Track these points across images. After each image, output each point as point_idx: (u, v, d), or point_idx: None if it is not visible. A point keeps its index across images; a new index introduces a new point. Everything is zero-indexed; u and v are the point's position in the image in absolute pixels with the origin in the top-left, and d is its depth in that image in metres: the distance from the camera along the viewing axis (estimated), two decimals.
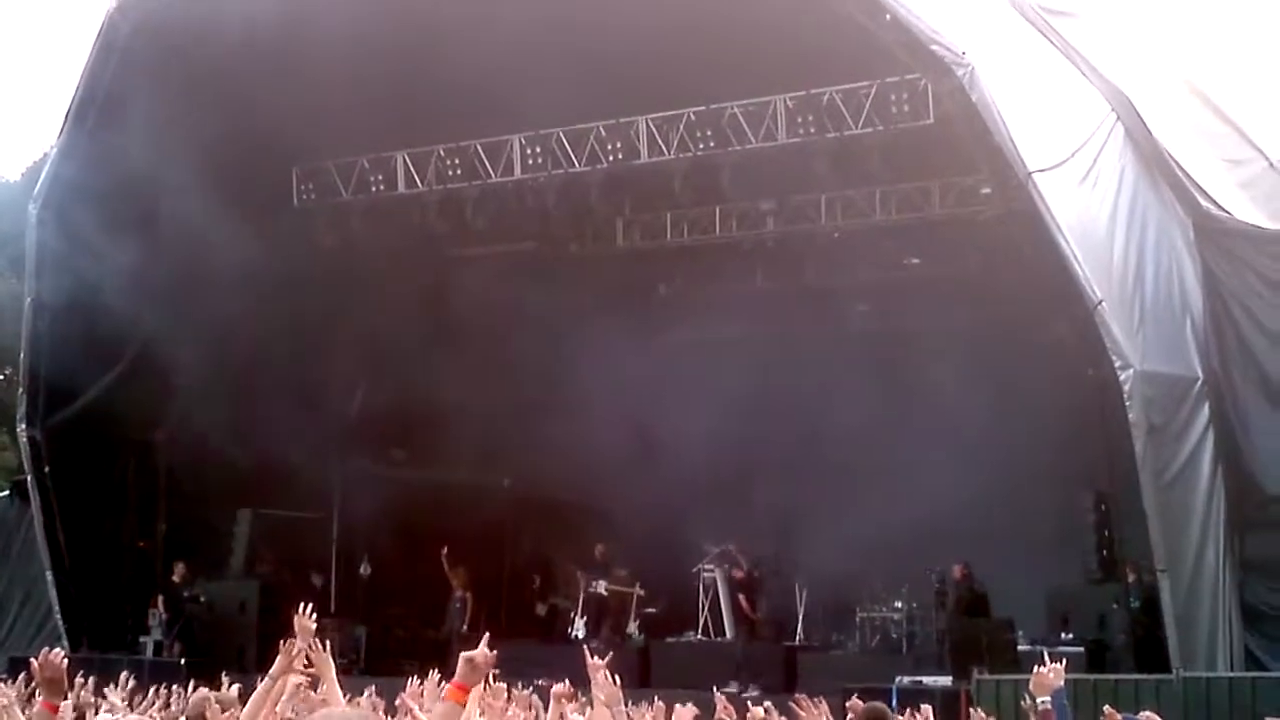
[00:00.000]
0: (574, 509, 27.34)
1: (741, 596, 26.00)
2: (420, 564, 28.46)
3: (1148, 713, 11.85)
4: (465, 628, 26.22)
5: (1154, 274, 21.42)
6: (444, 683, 11.06)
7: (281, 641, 8.58)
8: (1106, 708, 10.14)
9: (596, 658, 9.64)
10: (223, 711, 8.01)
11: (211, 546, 27.75)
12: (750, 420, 26.83)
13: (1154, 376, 20.38)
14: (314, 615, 8.22)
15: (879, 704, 11.39)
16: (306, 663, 8.33)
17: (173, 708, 10.51)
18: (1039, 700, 10.05)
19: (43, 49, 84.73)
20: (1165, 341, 21.14)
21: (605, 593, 26.86)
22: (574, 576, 27.75)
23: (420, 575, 28.61)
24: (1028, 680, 10.40)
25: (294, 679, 7.26)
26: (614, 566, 27.24)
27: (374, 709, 9.49)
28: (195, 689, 15.42)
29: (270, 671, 8.45)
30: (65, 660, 6.44)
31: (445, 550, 27.55)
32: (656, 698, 13.90)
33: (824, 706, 11.27)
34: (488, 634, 6.69)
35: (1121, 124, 22.02)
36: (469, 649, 5.96)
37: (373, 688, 10.22)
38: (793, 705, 10.91)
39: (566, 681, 10.77)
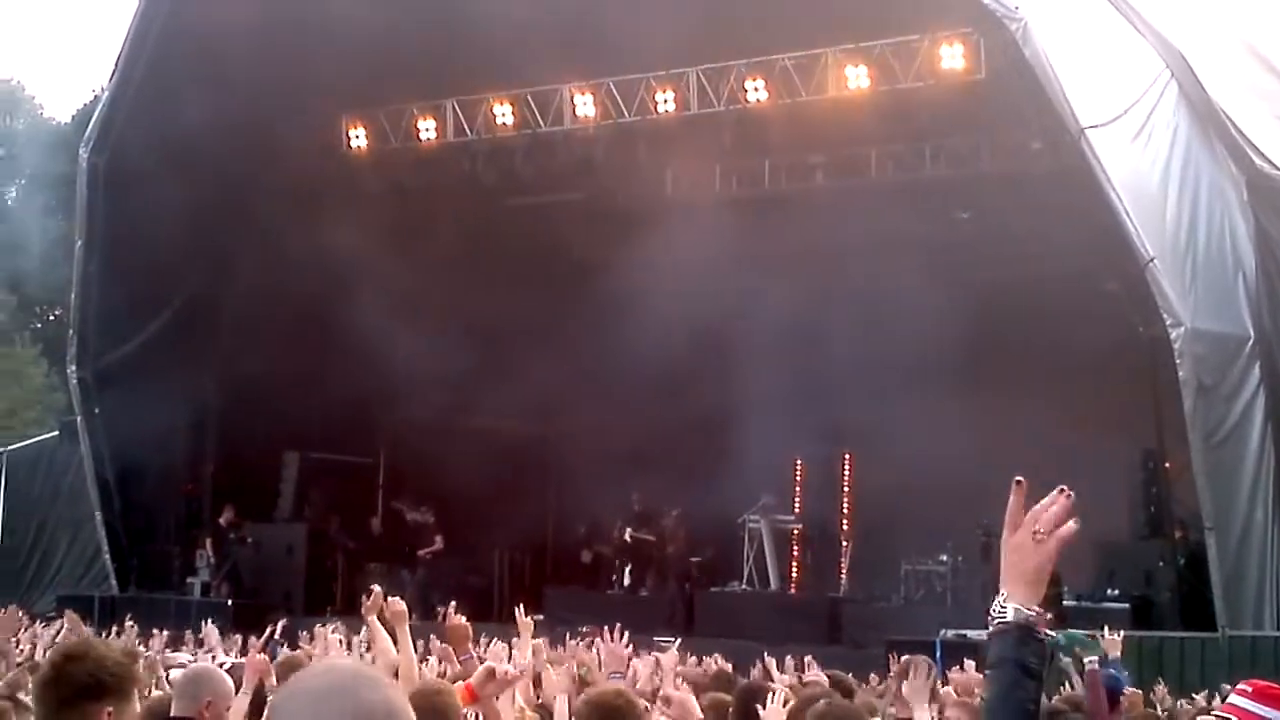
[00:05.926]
0: (619, 457, 27.32)
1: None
2: (466, 511, 28.56)
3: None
4: None
5: (1206, 232, 21.32)
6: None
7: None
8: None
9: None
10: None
11: (259, 489, 27.96)
12: (799, 373, 26.75)
13: (1205, 335, 20.31)
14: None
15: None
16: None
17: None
18: (1086, 660, 9.98)
19: None
20: (1217, 300, 21.06)
21: (647, 539, 26.99)
22: (615, 525, 27.83)
23: (466, 522, 28.71)
24: (1074, 636, 10.35)
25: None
26: (654, 515, 27.30)
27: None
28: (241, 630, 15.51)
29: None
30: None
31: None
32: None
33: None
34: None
35: (1176, 81, 21.88)
36: None
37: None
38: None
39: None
